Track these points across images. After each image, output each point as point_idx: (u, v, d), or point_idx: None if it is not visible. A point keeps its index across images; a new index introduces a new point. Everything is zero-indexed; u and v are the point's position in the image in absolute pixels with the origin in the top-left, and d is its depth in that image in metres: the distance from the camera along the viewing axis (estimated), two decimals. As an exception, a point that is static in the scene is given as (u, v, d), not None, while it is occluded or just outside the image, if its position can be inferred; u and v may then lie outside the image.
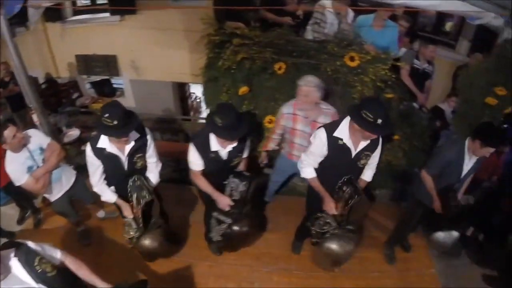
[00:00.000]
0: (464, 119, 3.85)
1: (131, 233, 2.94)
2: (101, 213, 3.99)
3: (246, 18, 3.74)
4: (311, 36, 3.73)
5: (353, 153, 2.70)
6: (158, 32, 5.07)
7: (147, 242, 2.97)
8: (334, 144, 2.67)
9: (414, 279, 3.86)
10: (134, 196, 2.80)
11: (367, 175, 2.97)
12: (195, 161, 2.83)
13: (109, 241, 3.73)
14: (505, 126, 4.53)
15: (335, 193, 2.90)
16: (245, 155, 3.01)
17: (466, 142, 3.00)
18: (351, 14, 3.86)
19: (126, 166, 2.79)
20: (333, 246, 3.01)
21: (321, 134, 2.69)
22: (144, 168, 2.95)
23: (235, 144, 2.75)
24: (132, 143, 2.70)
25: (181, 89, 6.10)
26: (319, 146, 2.73)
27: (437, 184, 3.19)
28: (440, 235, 3.30)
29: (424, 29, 5.45)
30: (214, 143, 2.74)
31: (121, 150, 2.70)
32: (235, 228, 3.03)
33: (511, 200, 3.92)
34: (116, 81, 6.08)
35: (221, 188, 2.97)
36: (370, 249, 3.98)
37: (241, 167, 3.08)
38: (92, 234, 3.79)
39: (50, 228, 3.92)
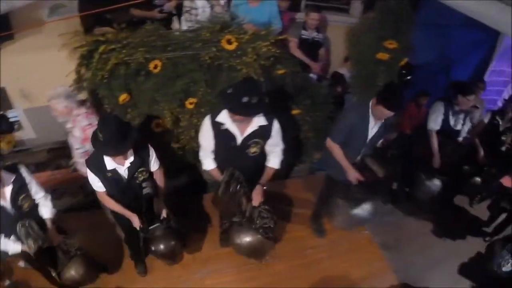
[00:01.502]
0: (360, 80, 3.82)
1: None
2: (21, 263, 3.64)
3: (115, 20, 3.51)
4: (186, 26, 3.56)
5: (239, 140, 2.60)
6: (41, 52, 4.67)
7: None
8: (218, 130, 2.58)
9: (348, 246, 3.89)
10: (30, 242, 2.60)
11: (273, 162, 2.87)
12: (95, 183, 2.62)
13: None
14: (408, 78, 4.62)
15: None
16: (153, 167, 2.79)
17: (370, 104, 2.95)
18: (224, -4, 3.72)
19: (13, 212, 2.53)
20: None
21: (206, 121, 2.62)
22: (34, 207, 2.70)
23: (132, 159, 2.54)
24: (10, 186, 2.46)
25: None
26: (204, 133, 2.65)
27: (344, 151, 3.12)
28: (358, 211, 3.24)
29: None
30: (109, 161, 2.52)
31: (2, 197, 2.46)
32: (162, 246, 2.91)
33: (424, 147, 3.99)
34: (12, 115, 5.62)
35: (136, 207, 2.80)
36: (299, 227, 3.96)
37: (159, 181, 2.91)
38: (21, 285, 3.48)
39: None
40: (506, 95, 5.83)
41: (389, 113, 2.80)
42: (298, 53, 4.11)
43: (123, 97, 3.19)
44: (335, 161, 3.12)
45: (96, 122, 2.90)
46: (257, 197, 2.84)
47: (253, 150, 2.68)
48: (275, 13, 3.89)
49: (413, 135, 4.35)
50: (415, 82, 4.63)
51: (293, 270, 3.57)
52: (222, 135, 2.60)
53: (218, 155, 2.78)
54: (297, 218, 4.00)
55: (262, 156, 2.81)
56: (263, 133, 2.63)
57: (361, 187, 3.12)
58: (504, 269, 3.21)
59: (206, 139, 2.67)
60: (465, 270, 3.79)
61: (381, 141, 3.32)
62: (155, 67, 3.15)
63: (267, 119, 2.59)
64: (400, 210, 4.40)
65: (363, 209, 3.18)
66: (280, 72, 3.53)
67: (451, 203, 4.59)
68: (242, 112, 2.39)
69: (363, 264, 3.70)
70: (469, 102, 3.77)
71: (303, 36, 4.16)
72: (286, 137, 3.67)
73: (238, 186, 2.73)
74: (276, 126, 2.65)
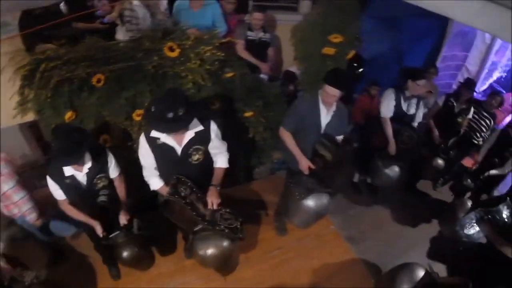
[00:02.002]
0: (309, 76, 3.85)
1: None
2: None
3: (55, 35, 3.42)
4: (128, 36, 3.49)
5: (179, 151, 2.53)
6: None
7: None
8: (154, 145, 2.50)
9: (315, 242, 3.89)
10: None
11: (221, 162, 2.80)
12: (54, 190, 2.58)
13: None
14: (360, 70, 4.68)
15: None
16: (113, 174, 2.77)
17: (319, 92, 2.99)
18: (164, 2, 3.67)
19: None
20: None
21: (141, 139, 2.54)
22: None
23: (90, 165, 2.52)
24: None
25: (35, 128, 5.50)
26: (143, 152, 2.57)
27: (298, 142, 3.12)
28: (310, 203, 3.11)
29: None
30: (67, 167, 2.49)
31: None
32: (125, 254, 2.91)
33: (380, 136, 4.03)
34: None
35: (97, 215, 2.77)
36: (264, 229, 3.93)
37: (119, 187, 2.88)
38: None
39: None
40: (460, 78, 5.98)
41: (335, 92, 2.83)
42: (245, 55, 4.05)
43: (68, 115, 3.09)
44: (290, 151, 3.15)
45: (14, 185, 3.03)
46: (212, 198, 2.68)
47: (196, 157, 2.60)
48: (218, 16, 3.84)
49: (368, 125, 4.39)
50: (369, 74, 4.71)
51: (261, 274, 3.52)
52: (160, 150, 2.52)
53: (162, 170, 2.69)
54: (262, 220, 3.98)
55: (208, 161, 2.74)
56: (202, 139, 2.55)
57: (313, 176, 3.09)
58: (466, 231, 3.23)
59: (146, 157, 2.58)
60: (432, 252, 3.84)
61: (340, 137, 3.29)
62: (98, 81, 3.07)
63: (203, 123, 2.52)
64: (363, 201, 4.45)
65: (316, 201, 3.10)
66: (229, 75, 3.52)
67: (414, 188, 4.66)
68: (171, 129, 2.32)
69: (331, 259, 3.71)
70: (420, 88, 3.77)
71: (249, 37, 4.09)
72: (242, 140, 3.68)
73: (188, 190, 2.63)
74: (213, 128, 2.57)
